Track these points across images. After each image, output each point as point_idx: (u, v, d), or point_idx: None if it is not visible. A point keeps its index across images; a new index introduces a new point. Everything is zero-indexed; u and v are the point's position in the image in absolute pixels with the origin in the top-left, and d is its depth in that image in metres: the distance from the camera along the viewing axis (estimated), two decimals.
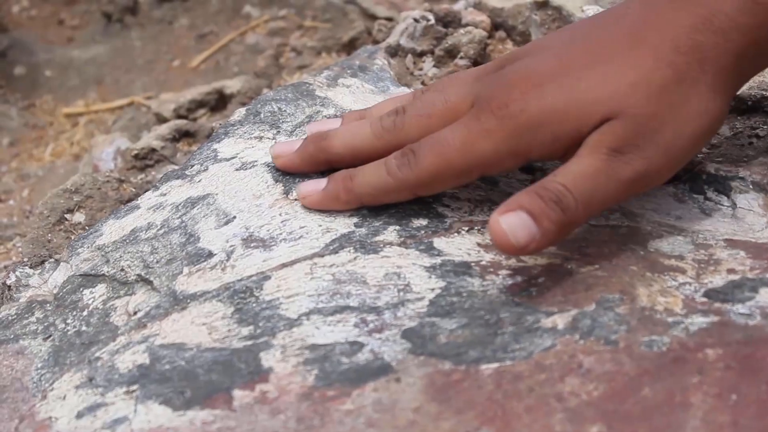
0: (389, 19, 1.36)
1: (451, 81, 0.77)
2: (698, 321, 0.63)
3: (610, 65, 0.69)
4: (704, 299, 0.65)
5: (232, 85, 1.33)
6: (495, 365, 0.61)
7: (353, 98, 0.95)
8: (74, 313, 0.75)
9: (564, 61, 0.70)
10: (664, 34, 0.68)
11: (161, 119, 1.30)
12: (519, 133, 0.69)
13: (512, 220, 0.64)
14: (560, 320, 0.64)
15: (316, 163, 0.80)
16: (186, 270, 0.74)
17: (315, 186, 0.77)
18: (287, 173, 0.82)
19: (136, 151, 1.10)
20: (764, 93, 0.88)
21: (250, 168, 0.84)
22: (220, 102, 1.32)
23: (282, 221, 0.76)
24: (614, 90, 0.68)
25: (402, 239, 0.73)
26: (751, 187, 0.78)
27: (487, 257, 0.71)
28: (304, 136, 0.84)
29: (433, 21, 1.12)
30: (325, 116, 0.91)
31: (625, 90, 0.67)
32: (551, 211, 0.65)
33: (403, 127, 0.75)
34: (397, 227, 0.75)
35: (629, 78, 0.68)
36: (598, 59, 0.69)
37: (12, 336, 0.75)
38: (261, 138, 0.89)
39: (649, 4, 0.71)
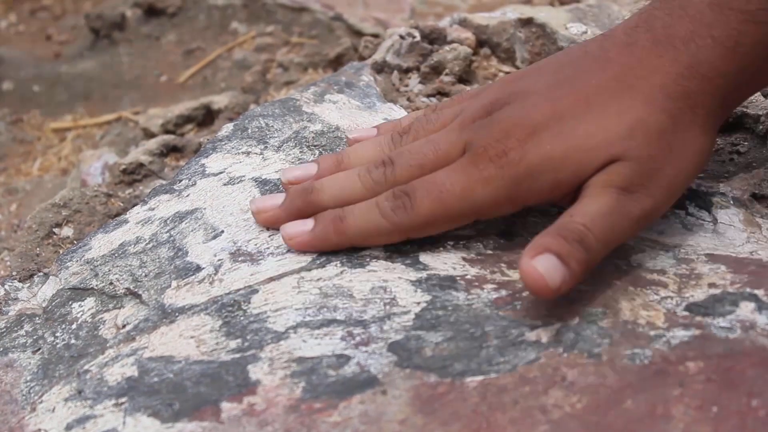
0: (375, 36, 1.37)
1: (435, 126, 0.79)
2: (680, 334, 0.63)
3: (604, 111, 0.70)
4: (686, 313, 0.66)
5: (219, 101, 1.33)
6: (480, 378, 0.62)
7: (340, 114, 0.96)
8: (63, 326, 0.76)
9: (557, 107, 0.71)
10: (653, 80, 0.70)
11: (149, 134, 1.31)
12: (518, 180, 0.70)
13: (545, 263, 0.64)
14: (544, 334, 0.65)
15: (302, 217, 0.77)
16: (174, 284, 0.75)
17: (302, 227, 0.76)
18: (275, 189, 0.82)
19: (124, 166, 1.10)
20: (745, 110, 0.89)
21: (238, 183, 0.85)
22: (207, 117, 1.33)
23: (269, 236, 0.77)
24: (613, 135, 0.69)
25: (388, 253, 0.74)
26: (731, 202, 0.79)
27: (472, 271, 0.72)
28: (280, 187, 0.83)
29: (418, 38, 1.13)
30: (312, 132, 0.92)
31: (624, 134, 0.69)
32: (576, 252, 0.66)
33: (394, 179, 0.75)
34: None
35: (626, 123, 0.69)
36: (591, 106, 0.71)
37: (1, 349, 0.75)
38: (248, 153, 0.90)
39: (629, 50, 0.72)
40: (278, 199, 0.79)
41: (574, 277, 0.65)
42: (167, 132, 1.29)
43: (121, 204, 1.02)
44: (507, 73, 1.14)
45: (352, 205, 0.75)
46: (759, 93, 0.92)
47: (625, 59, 0.72)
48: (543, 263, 0.64)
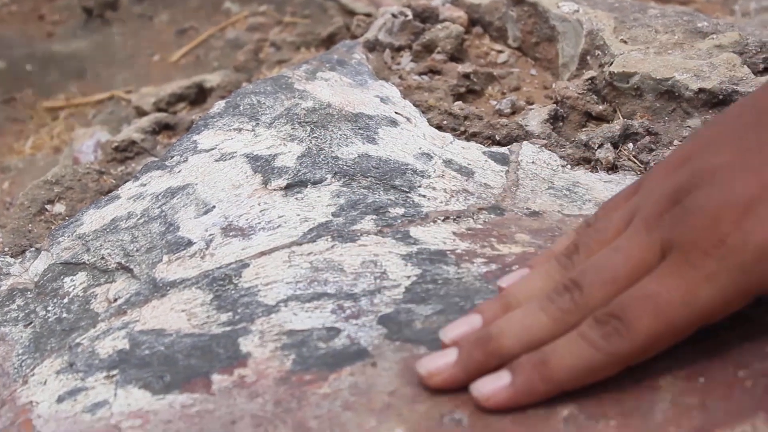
0: (368, 15, 1.37)
1: (609, 235, 0.66)
2: None
3: None
4: None
5: (211, 79, 1.34)
6: None
7: (331, 91, 0.96)
8: (55, 300, 0.76)
9: (763, 177, 0.60)
10: None
11: (141, 113, 1.31)
12: (748, 268, 0.58)
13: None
14: None
15: (485, 372, 0.62)
16: (166, 258, 0.75)
17: (498, 383, 0.60)
18: (266, 165, 0.83)
19: (116, 144, 1.10)
20: (735, 87, 0.90)
21: (229, 159, 0.85)
22: (199, 96, 1.33)
23: (260, 210, 0.77)
24: None
25: (379, 228, 0.74)
26: None
27: (462, 246, 0.72)
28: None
29: (410, 17, 1.14)
30: (304, 108, 0.92)
31: None
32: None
33: (586, 303, 0.62)
34: (374, 216, 0.76)
35: None
36: None
37: None
38: (240, 130, 0.90)
39: None
40: (450, 356, 0.63)
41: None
42: (159, 110, 1.29)
43: (113, 181, 1.02)
44: (499, 51, 1.14)
45: (548, 345, 0.61)
46: (750, 71, 0.93)
47: None
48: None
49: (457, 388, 0.61)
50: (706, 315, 0.59)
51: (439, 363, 0.62)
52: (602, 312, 0.60)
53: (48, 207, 0.97)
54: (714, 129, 0.66)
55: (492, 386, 0.60)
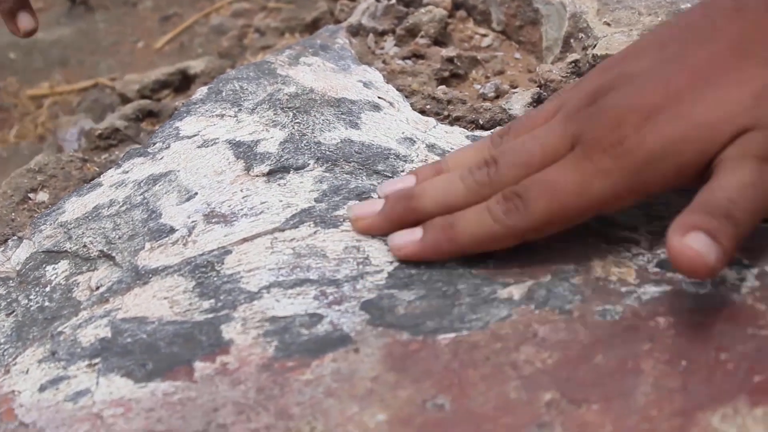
0: (352, 0, 1.36)
1: (538, 121, 0.73)
2: (651, 290, 0.64)
3: (723, 84, 0.65)
4: (657, 269, 0.66)
5: (195, 66, 1.33)
6: (452, 335, 0.62)
7: (314, 76, 0.95)
8: (37, 289, 0.76)
9: (670, 86, 0.66)
10: None
11: (125, 100, 1.31)
12: (638, 170, 0.65)
13: (697, 241, 0.59)
14: (516, 291, 0.65)
15: (403, 224, 0.72)
16: (148, 245, 0.75)
17: (410, 237, 0.70)
18: (248, 151, 0.82)
19: (99, 131, 1.10)
20: None
21: (212, 145, 0.85)
22: (184, 82, 1.33)
23: (243, 197, 0.77)
24: (737, 107, 0.63)
25: None
26: None
27: None
28: (379, 193, 0.77)
29: (394, 1, 1.13)
30: (286, 94, 0.91)
31: (749, 104, 0.63)
32: (725, 227, 0.60)
33: (500, 180, 0.69)
34: (357, 202, 0.75)
35: (749, 93, 0.64)
36: (707, 80, 0.65)
37: None
38: (222, 116, 0.90)
39: (739, 15, 0.67)
40: (377, 205, 0.74)
41: (726, 253, 0.59)
42: (144, 97, 1.29)
43: (97, 169, 1.02)
44: (483, 35, 1.14)
45: (460, 211, 0.70)
46: None
47: (736, 26, 0.66)
48: (695, 241, 0.59)
49: (377, 234, 0.73)
50: (596, 206, 0.66)
51: (366, 210, 0.74)
52: (509, 190, 0.68)
53: (31, 195, 0.97)
54: (645, 39, 0.73)
55: (405, 239, 0.70)
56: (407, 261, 0.70)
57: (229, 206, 0.77)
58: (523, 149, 0.70)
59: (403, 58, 1.07)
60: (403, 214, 0.72)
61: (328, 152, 0.82)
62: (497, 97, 0.99)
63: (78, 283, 0.74)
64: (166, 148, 0.87)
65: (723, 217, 0.60)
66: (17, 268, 0.79)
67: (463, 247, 0.69)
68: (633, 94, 0.67)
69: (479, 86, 1.02)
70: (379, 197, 0.76)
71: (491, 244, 0.69)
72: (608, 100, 0.67)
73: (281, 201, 0.76)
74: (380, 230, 0.73)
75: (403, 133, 0.86)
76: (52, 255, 0.78)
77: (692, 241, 0.58)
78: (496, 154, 0.71)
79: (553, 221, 0.67)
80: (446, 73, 1.03)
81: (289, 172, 0.80)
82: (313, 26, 1.39)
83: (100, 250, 0.76)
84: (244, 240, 0.73)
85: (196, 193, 0.79)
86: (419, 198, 0.72)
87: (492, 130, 0.83)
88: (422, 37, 1.09)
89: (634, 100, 0.66)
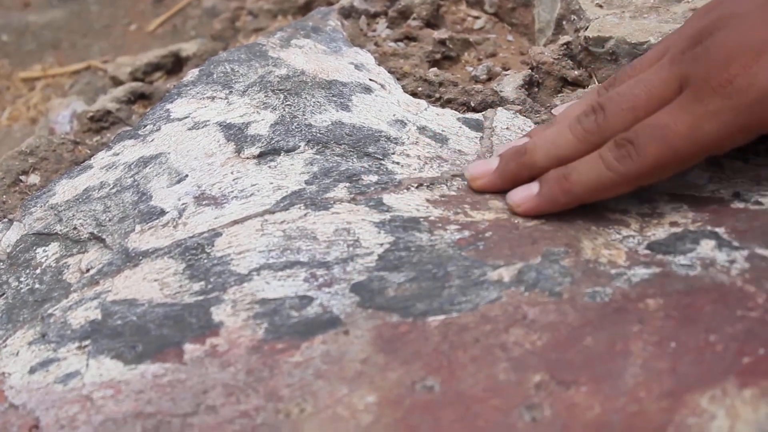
0: None
1: (643, 67, 0.74)
2: (640, 272, 0.64)
3: None
4: (647, 251, 0.66)
5: (188, 48, 1.33)
6: (441, 317, 0.62)
7: (306, 58, 0.95)
8: (27, 271, 0.76)
9: None
10: None
11: (117, 82, 1.30)
12: (750, 108, 0.65)
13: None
14: (506, 273, 0.65)
15: (518, 181, 0.74)
16: (138, 228, 0.75)
17: (527, 192, 0.72)
18: (239, 134, 0.82)
19: (91, 114, 1.09)
20: None
21: (203, 127, 0.85)
22: (176, 65, 1.32)
23: (234, 179, 0.77)
24: None
25: (352, 196, 0.74)
26: None
27: (436, 213, 0.72)
28: (495, 156, 0.78)
29: None
30: (277, 76, 0.91)
31: None
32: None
33: (607, 125, 0.71)
34: (348, 184, 0.75)
35: None
36: None
37: None
38: (213, 98, 0.89)
39: None
40: (492, 164, 0.76)
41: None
42: (136, 80, 1.29)
43: (89, 151, 1.02)
44: (476, 17, 1.14)
45: (573, 162, 0.71)
46: None
47: None
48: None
49: (495, 191, 0.75)
50: (708, 148, 0.67)
51: (482, 169, 0.76)
52: (620, 137, 0.69)
53: (23, 178, 0.96)
54: None
55: (522, 194, 0.72)
56: (527, 215, 0.72)
57: (220, 188, 0.76)
58: (630, 93, 0.71)
59: (395, 41, 1.06)
60: (516, 170, 0.74)
61: (318, 134, 0.82)
62: (489, 79, 0.99)
63: (68, 266, 0.74)
64: (157, 130, 0.86)
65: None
66: (7, 251, 0.79)
67: (578, 197, 0.71)
68: (740, 33, 0.67)
69: (471, 68, 1.02)
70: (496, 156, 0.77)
71: (606, 193, 0.70)
72: (714, 39, 0.68)
73: (272, 183, 0.76)
74: (497, 187, 0.75)
75: (394, 115, 0.86)
76: (43, 237, 0.78)
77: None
78: (602, 100, 0.72)
79: (666, 166, 0.68)
80: (438, 56, 1.03)
81: (279, 155, 0.80)
82: (306, 8, 1.39)
83: (90, 233, 0.76)
84: (235, 222, 0.72)
85: (187, 176, 0.79)
86: (531, 153, 0.74)
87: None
88: (414, 19, 1.09)
89: (742, 38, 0.66)
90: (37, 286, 0.74)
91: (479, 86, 0.95)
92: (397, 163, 0.78)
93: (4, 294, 0.74)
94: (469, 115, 0.89)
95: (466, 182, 0.76)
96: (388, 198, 0.74)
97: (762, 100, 0.65)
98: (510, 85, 0.94)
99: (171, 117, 0.88)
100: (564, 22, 1.02)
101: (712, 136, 0.66)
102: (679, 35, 0.73)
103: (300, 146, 0.81)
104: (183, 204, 0.76)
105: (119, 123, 1.10)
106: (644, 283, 0.63)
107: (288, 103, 0.87)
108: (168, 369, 0.61)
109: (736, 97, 0.65)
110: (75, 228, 0.77)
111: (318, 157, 0.79)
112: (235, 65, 0.94)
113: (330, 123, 0.84)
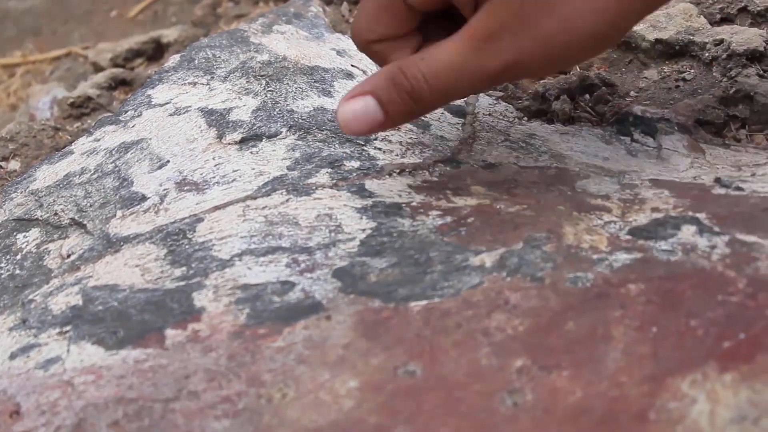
0: None
1: None
2: (622, 258, 0.64)
3: None
4: (628, 237, 0.66)
5: (169, 34, 1.32)
6: (424, 303, 0.62)
7: (287, 44, 0.95)
8: (8, 257, 0.75)
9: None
10: None
11: (98, 69, 1.30)
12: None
13: (356, 108, 0.67)
14: (488, 258, 0.65)
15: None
16: (119, 213, 0.74)
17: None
18: (221, 119, 0.82)
19: (72, 100, 1.09)
20: (691, 38, 0.90)
21: (184, 113, 0.84)
22: (157, 51, 1.32)
23: (215, 165, 0.77)
24: None
25: (334, 181, 0.74)
26: (676, 128, 0.80)
27: (418, 198, 0.72)
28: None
29: None
30: (259, 62, 0.91)
31: None
32: (402, 102, 0.67)
33: None
34: (329, 170, 0.75)
35: None
36: None
37: None
38: (195, 84, 0.89)
39: None
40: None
41: (393, 121, 0.68)
42: (117, 66, 1.28)
43: (69, 137, 1.01)
44: None
45: None
46: (707, 21, 0.93)
47: None
48: (353, 107, 0.67)
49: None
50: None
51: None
52: None
53: (2, 164, 0.96)
54: None
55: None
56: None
57: (201, 174, 0.76)
58: None
59: None
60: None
61: (300, 120, 0.82)
62: None
63: (49, 251, 0.74)
64: (138, 116, 0.86)
65: (405, 92, 0.67)
66: None
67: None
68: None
69: None
70: None
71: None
72: None
73: (253, 169, 0.76)
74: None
75: None
76: (23, 223, 0.78)
77: (350, 106, 0.67)
78: None
79: None
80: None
81: (261, 140, 0.80)
82: None
83: (71, 218, 0.76)
84: (216, 208, 0.72)
85: (168, 161, 0.78)
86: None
87: None
88: None
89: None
90: (17, 271, 0.73)
91: None
92: (379, 149, 0.78)
93: None
94: None
95: (448, 168, 0.76)
96: (370, 184, 0.74)
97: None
98: None
99: (152, 103, 0.88)
100: None
101: None
102: None
103: (282, 132, 0.80)
104: (164, 190, 0.75)
105: (100, 109, 1.10)
106: (626, 268, 0.63)
107: (270, 89, 0.87)
108: (149, 354, 0.61)
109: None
110: (56, 214, 0.77)
111: (300, 142, 0.79)
112: (217, 51, 0.94)
113: (312, 109, 0.83)
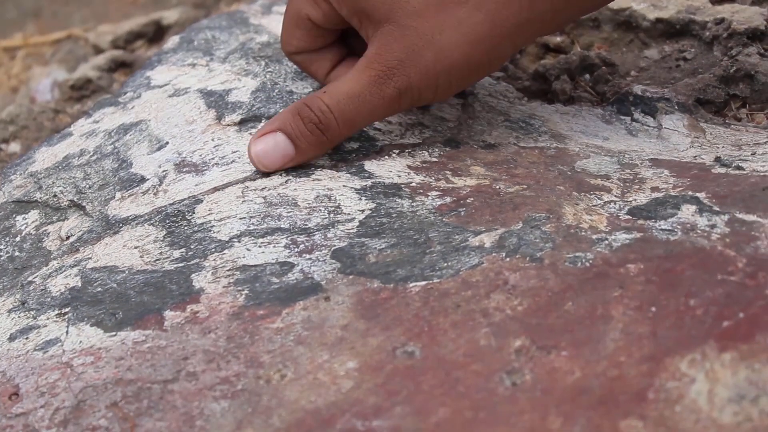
0: None
1: None
2: (621, 237, 0.64)
3: None
4: (628, 216, 0.66)
5: (169, 16, 1.32)
6: (423, 283, 0.62)
7: None
8: (7, 239, 0.75)
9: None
10: None
11: (99, 51, 1.29)
12: None
13: (267, 145, 0.72)
14: (487, 239, 0.65)
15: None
16: (118, 195, 0.74)
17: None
18: (220, 101, 0.82)
19: (72, 82, 1.09)
20: (692, 17, 0.89)
21: (183, 94, 0.84)
22: (157, 33, 1.32)
23: (214, 146, 0.77)
24: None
25: (333, 162, 0.74)
26: (676, 108, 0.79)
27: (417, 179, 0.71)
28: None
29: None
30: (258, 43, 0.91)
31: None
32: (311, 134, 0.72)
33: None
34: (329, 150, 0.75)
35: None
36: None
37: None
38: (194, 65, 0.89)
39: None
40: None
41: (304, 155, 0.73)
42: (117, 48, 1.28)
43: (70, 120, 1.01)
44: None
45: None
46: (707, 0, 0.92)
47: None
48: (262, 146, 0.72)
49: None
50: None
51: None
52: None
53: (3, 146, 0.96)
54: None
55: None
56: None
57: (200, 155, 0.76)
58: None
59: None
60: None
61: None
62: None
63: (48, 233, 0.74)
64: (137, 97, 0.86)
65: (312, 124, 0.72)
66: None
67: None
68: None
69: None
70: None
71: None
72: None
73: None
74: None
75: None
76: (22, 205, 0.78)
77: (260, 144, 0.73)
78: None
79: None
80: None
81: (260, 121, 0.79)
82: None
83: (70, 200, 0.76)
84: (215, 189, 0.72)
85: (167, 143, 0.78)
86: None
87: None
88: None
89: None
90: (16, 253, 0.73)
91: None
92: (379, 130, 0.77)
93: None
94: None
95: (448, 149, 0.75)
96: (369, 164, 0.73)
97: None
98: None
99: (151, 84, 0.87)
100: None
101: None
102: None
103: None
104: (163, 171, 0.75)
105: (100, 91, 1.10)
106: (625, 248, 0.63)
107: (269, 69, 0.86)
108: (148, 336, 0.61)
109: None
110: (55, 195, 0.77)
111: None
112: (216, 32, 0.94)
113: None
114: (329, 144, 0.73)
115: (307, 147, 0.72)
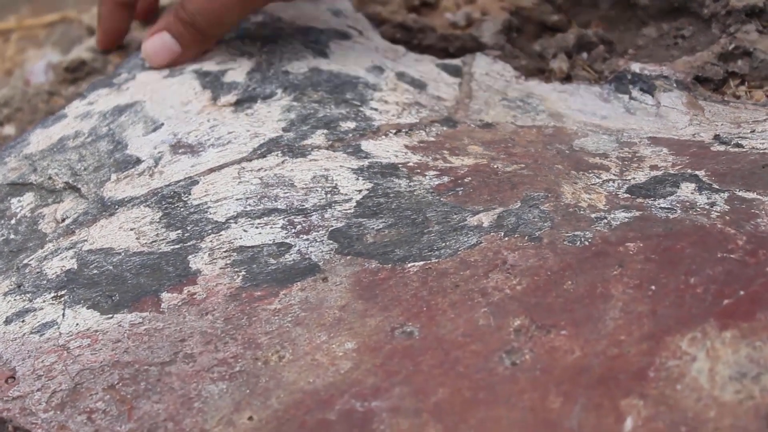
0: None
1: None
2: (620, 216, 0.63)
3: None
4: (627, 195, 0.66)
5: None
6: (421, 263, 0.62)
7: (283, 5, 0.94)
8: (2, 221, 0.75)
9: None
10: None
11: (93, 33, 1.29)
12: None
13: (155, 44, 0.85)
14: (486, 218, 0.65)
15: None
16: (114, 177, 0.74)
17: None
18: (215, 81, 0.81)
19: (66, 64, 1.08)
20: None
21: (178, 75, 0.84)
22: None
23: (210, 127, 0.76)
24: None
25: (330, 142, 0.73)
26: (674, 85, 0.79)
27: (414, 158, 0.71)
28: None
29: None
30: (253, 23, 0.90)
31: None
32: (188, 34, 0.83)
33: None
34: (325, 131, 0.75)
35: None
36: None
37: None
38: None
39: None
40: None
41: (188, 52, 0.85)
42: None
43: (64, 102, 1.00)
44: None
45: None
46: None
47: None
48: (153, 43, 0.85)
49: None
50: None
51: None
52: None
53: None
54: None
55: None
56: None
57: (196, 136, 0.76)
58: None
59: None
60: None
61: (296, 81, 0.81)
62: (468, 25, 0.98)
63: (43, 216, 0.74)
64: (132, 78, 0.85)
65: (187, 24, 0.83)
66: None
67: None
68: None
69: (450, 15, 1.01)
70: None
71: None
72: None
73: (248, 131, 0.75)
74: None
75: (372, 61, 0.85)
76: (17, 187, 0.77)
77: (151, 42, 0.85)
78: None
79: None
80: (417, 2, 1.02)
81: (256, 102, 0.79)
82: None
83: (65, 182, 0.75)
84: (211, 170, 0.72)
85: (163, 124, 0.78)
86: None
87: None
88: None
89: None
90: (12, 236, 0.73)
91: (458, 32, 0.94)
92: (375, 110, 0.77)
93: None
94: (448, 60, 0.89)
95: (445, 128, 0.75)
96: (366, 144, 0.73)
97: None
98: (489, 30, 0.93)
99: (146, 65, 0.87)
100: None
101: None
102: None
103: (277, 93, 0.80)
104: (159, 152, 0.75)
105: (95, 73, 1.09)
106: (624, 226, 0.62)
107: (265, 50, 0.86)
108: (145, 318, 0.61)
109: None
110: (50, 178, 0.77)
111: (295, 104, 0.78)
112: None
113: (307, 69, 0.83)
114: (206, 41, 0.85)
115: (188, 45, 0.84)
